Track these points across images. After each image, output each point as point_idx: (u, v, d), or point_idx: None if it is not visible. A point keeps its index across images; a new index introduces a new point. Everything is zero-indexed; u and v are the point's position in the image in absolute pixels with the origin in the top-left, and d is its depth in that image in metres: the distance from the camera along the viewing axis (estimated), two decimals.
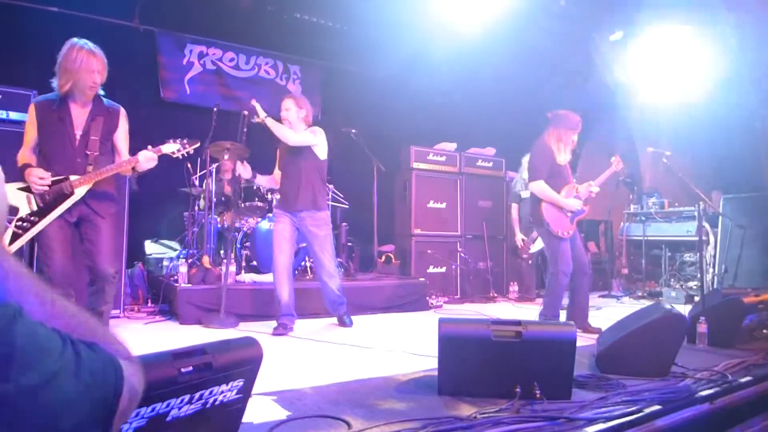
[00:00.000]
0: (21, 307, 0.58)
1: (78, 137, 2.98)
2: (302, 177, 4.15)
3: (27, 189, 2.85)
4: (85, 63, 2.90)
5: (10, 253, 0.67)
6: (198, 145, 3.31)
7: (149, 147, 3.14)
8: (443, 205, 6.58)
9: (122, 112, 3.18)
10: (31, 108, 2.98)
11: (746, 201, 6.15)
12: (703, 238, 5.75)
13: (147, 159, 3.07)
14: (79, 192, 2.91)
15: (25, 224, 2.81)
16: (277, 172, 4.32)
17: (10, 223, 2.76)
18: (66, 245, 2.92)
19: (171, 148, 3.22)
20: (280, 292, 4.10)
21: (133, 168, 3.06)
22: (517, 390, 2.22)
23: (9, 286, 0.64)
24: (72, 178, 2.91)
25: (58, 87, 2.92)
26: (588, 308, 4.20)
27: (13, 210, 2.79)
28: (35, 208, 2.84)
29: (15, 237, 2.76)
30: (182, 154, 3.27)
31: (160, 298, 4.82)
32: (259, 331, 4.05)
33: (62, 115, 2.95)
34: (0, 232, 0.70)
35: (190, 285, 4.52)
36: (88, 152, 2.98)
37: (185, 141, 3.26)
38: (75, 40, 2.96)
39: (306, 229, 4.16)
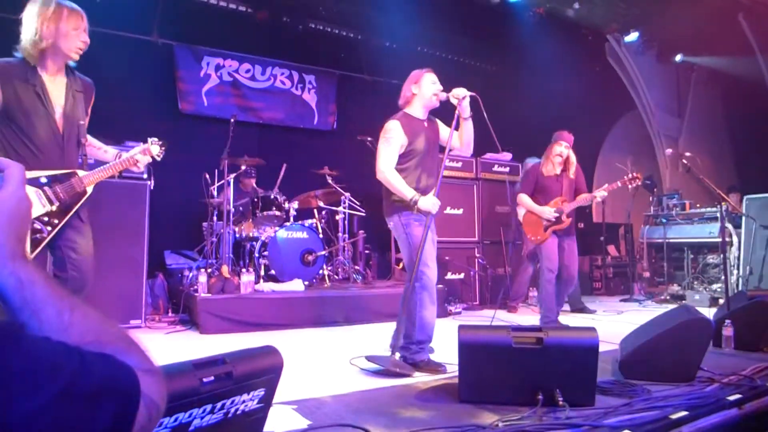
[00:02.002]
0: (22, 324, 0.56)
1: (59, 119, 2.45)
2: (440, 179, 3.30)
3: (32, 181, 2.34)
4: (70, 18, 2.36)
5: (28, 261, 0.65)
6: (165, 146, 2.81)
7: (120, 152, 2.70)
8: (460, 211, 6.55)
9: (93, 87, 2.68)
10: None
11: None
12: (727, 239, 5.64)
13: (144, 163, 2.67)
14: (89, 190, 2.50)
15: (48, 227, 2.38)
16: (389, 168, 3.24)
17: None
18: (44, 259, 2.49)
19: (155, 149, 2.73)
20: (433, 313, 3.19)
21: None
22: (539, 397, 2.19)
23: (24, 296, 0.62)
24: (80, 173, 2.48)
25: (33, 53, 2.32)
26: (559, 312, 4.63)
27: None
28: (50, 207, 2.38)
29: (35, 242, 2.34)
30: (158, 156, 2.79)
31: (181, 308, 4.87)
32: (280, 340, 4.06)
33: (38, 89, 2.37)
34: (22, 239, 0.67)
35: (209, 294, 4.55)
36: (81, 139, 2.52)
37: (159, 141, 2.78)
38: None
39: (432, 237, 3.30)
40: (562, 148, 4.51)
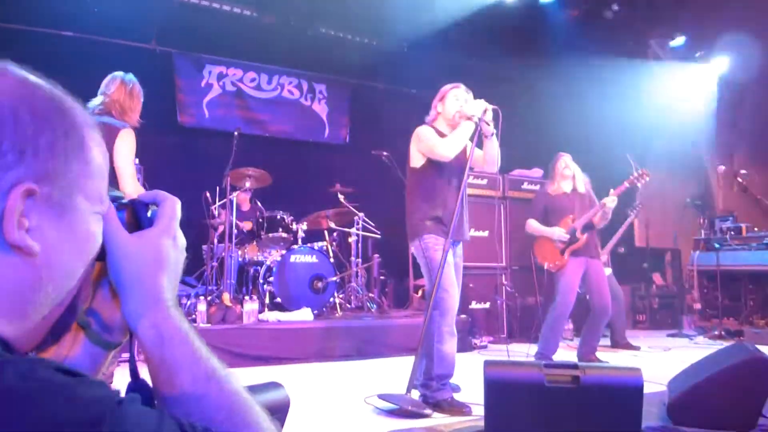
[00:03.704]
0: (121, 401, 0.50)
1: None
2: (465, 198, 3.43)
3: None
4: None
5: (174, 312, 0.63)
6: None
7: None
8: (485, 233, 6.53)
9: None
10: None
11: None
12: None
13: None
14: None
15: None
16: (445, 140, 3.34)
17: None
18: None
19: None
20: (453, 345, 3.24)
21: None
22: None
23: (163, 354, 0.61)
24: None
25: (130, 122, 3.20)
26: (597, 347, 4.62)
27: None
28: None
29: None
30: None
31: None
32: (286, 375, 4.06)
33: None
34: (171, 285, 0.65)
35: (209, 325, 4.58)
36: None
37: None
38: (131, 75, 3.39)
39: (456, 262, 3.43)
40: (568, 161, 4.66)
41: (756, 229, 6.76)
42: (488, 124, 3.28)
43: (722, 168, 5.25)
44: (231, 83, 7.23)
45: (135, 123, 3.26)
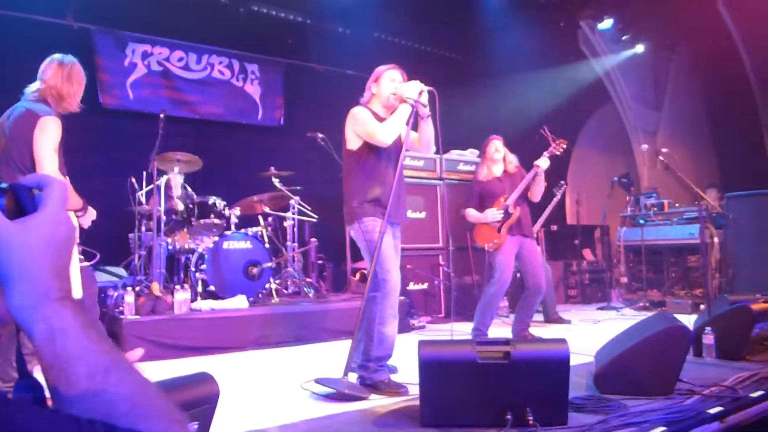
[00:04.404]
0: (8, 401, 0.48)
1: None
2: (402, 179, 3.48)
3: None
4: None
5: (67, 303, 0.59)
6: None
7: None
8: (422, 215, 6.61)
9: None
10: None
11: (751, 200, 6.29)
12: (707, 240, 5.90)
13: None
14: None
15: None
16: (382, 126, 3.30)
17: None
18: None
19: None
20: (394, 327, 3.25)
21: None
22: (508, 417, 2.23)
23: (55, 349, 0.56)
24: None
25: (70, 108, 3.04)
26: (530, 324, 4.81)
27: None
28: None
29: None
30: None
31: (104, 332, 4.72)
32: (221, 365, 4.00)
33: None
34: (61, 273, 0.60)
35: (138, 317, 4.43)
36: None
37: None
38: (71, 57, 3.13)
39: (395, 243, 3.44)
40: (498, 144, 4.77)
41: (677, 204, 7.14)
42: (424, 106, 3.29)
43: (645, 147, 5.51)
44: (157, 62, 6.94)
45: (75, 108, 3.09)
